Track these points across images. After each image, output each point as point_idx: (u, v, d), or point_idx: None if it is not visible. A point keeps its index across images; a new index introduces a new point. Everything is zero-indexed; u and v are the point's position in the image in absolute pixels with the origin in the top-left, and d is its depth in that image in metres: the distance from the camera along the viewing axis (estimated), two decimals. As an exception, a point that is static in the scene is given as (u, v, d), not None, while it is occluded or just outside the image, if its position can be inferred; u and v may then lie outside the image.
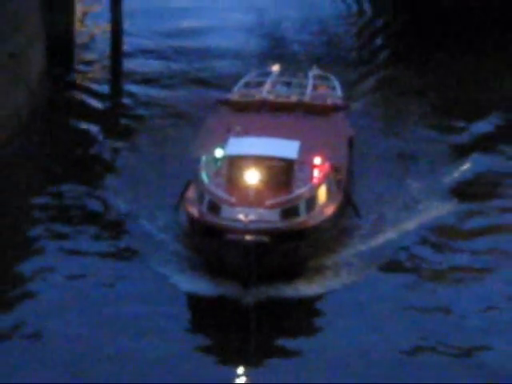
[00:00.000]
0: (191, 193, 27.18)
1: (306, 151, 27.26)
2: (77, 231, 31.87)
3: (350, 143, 32.67)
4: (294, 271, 25.61)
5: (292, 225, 24.59)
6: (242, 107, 33.59)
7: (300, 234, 24.70)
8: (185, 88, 49.45)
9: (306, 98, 34.09)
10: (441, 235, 31.31)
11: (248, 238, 22.71)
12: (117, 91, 51.22)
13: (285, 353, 23.04)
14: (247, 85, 37.53)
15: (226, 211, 24.47)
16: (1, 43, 39.97)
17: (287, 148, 27.01)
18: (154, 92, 48.80)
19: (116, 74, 53.08)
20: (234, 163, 26.26)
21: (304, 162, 27.20)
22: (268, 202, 24.43)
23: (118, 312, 25.58)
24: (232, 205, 24.42)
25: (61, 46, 50.52)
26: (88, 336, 24.46)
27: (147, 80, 50.96)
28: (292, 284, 25.16)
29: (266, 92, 35.12)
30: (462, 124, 43.27)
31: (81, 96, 48.90)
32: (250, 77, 38.88)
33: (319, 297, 25.47)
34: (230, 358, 22.80)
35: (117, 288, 27.07)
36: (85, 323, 25.21)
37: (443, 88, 51.50)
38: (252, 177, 25.14)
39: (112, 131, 44.00)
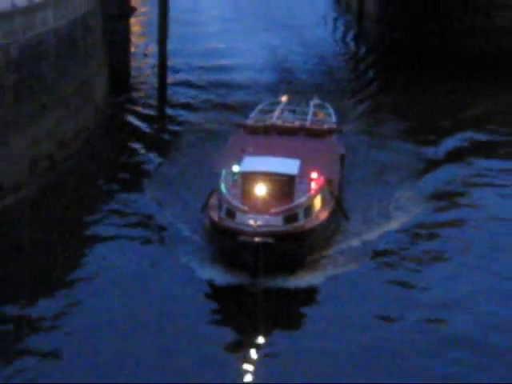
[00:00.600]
0: (213, 200, 29.36)
1: (305, 167, 29.44)
2: (124, 226, 33.99)
3: (342, 159, 34.69)
4: (294, 265, 27.60)
5: (292, 228, 26.85)
6: (255, 130, 35.60)
7: (299, 236, 27.16)
8: (214, 112, 51.21)
9: (307, 124, 36.22)
10: (416, 228, 33.20)
11: (256, 239, 24.90)
12: (160, 113, 53.31)
13: (286, 329, 25.39)
14: (261, 111, 39.78)
15: (239, 217, 26.52)
16: (75, 74, 42.45)
17: (289, 166, 28.98)
18: (190, 116, 50.87)
19: (161, 100, 55.23)
20: (247, 178, 28.21)
21: (303, 176, 29.24)
22: (273, 210, 26.59)
23: (152, 291, 27.82)
24: (244, 212, 26.49)
25: (119, 77, 54.16)
26: (130, 303, 26.77)
27: (185, 106, 53.23)
28: (293, 275, 27.23)
29: (275, 118, 37.02)
30: (434, 140, 45.63)
31: (133, 116, 51.05)
32: (264, 105, 41.25)
33: (317, 285, 27.42)
34: (241, 337, 24.84)
35: (151, 274, 29.16)
36: (129, 295, 27.42)
37: (420, 112, 53.35)
38: (261, 189, 27.03)
39: (155, 146, 45.61)
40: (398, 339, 25.02)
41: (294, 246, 26.85)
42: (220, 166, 31.06)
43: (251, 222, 25.25)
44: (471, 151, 45.15)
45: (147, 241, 32.32)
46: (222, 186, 28.65)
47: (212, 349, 23.84)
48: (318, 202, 28.80)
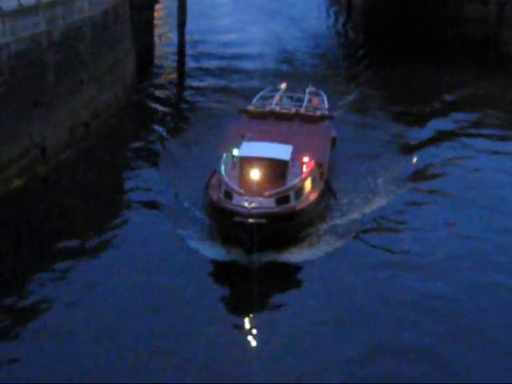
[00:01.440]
0: (214, 180, 28.37)
1: (298, 152, 28.58)
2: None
3: (333, 142, 33.81)
4: (286, 242, 26.62)
5: (283, 209, 26.00)
6: (256, 115, 34.94)
7: (289, 216, 26.31)
8: (224, 97, 49.25)
9: (302, 110, 35.46)
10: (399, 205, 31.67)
11: (250, 220, 23.98)
12: (178, 92, 52.47)
13: (279, 303, 24.29)
14: (262, 97, 38.82)
15: (236, 198, 25.61)
16: (108, 55, 43.15)
17: (283, 151, 28.15)
18: (202, 99, 49.52)
19: (179, 78, 55.15)
20: (244, 162, 27.42)
21: (296, 159, 28.33)
22: (266, 193, 25.78)
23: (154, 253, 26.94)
24: (241, 194, 25.59)
25: (145, 58, 53.69)
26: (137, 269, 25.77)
27: (199, 89, 51.89)
28: (285, 252, 26.22)
29: (274, 104, 36.47)
30: (417, 127, 43.52)
31: (155, 91, 50.98)
32: (265, 92, 40.31)
33: (307, 261, 26.32)
34: (237, 307, 24.03)
35: (153, 247, 27.65)
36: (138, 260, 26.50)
37: (398, 85, 52.87)
38: (256, 172, 26.00)
39: (174, 117, 46.05)
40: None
41: (285, 225, 26.07)
42: (222, 149, 30.21)
43: (246, 204, 24.21)
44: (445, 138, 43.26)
45: (162, 205, 31.49)
46: (222, 169, 27.93)
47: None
48: (308, 185, 28.01)
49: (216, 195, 26.62)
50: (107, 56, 42.48)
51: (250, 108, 36.11)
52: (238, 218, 24.18)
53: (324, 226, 28.61)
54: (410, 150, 38.60)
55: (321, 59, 64.03)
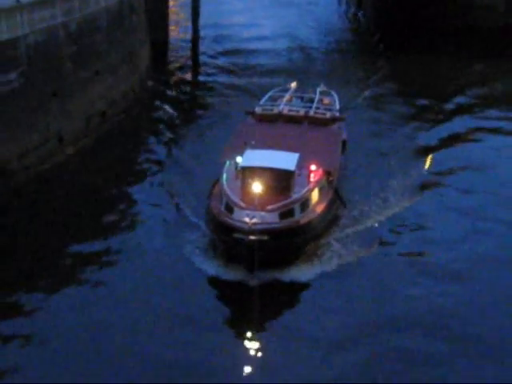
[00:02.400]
0: (216, 189, 26.17)
1: (305, 159, 26.43)
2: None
3: (344, 145, 31.60)
4: (290, 258, 24.44)
5: (288, 224, 23.66)
6: (263, 118, 32.20)
7: (294, 231, 23.87)
8: (237, 78, 49.49)
9: (311, 112, 32.48)
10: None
11: (251, 237, 21.92)
12: (195, 82, 51.65)
13: (280, 320, 22.46)
14: (271, 98, 36.30)
15: (237, 212, 23.31)
16: (124, 46, 43.05)
17: (288, 161, 25.54)
18: (217, 79, 49.83)
19: (193, 67, 54.51)
20: (247, 172, 24.89)
21: (303, 167, 26.11)
22: (269, 207, 23.41)
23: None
24: (242, 208, 23.31)
25: (159, 49, 53.60)
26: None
27: (212, 81, 50.93)
28: (288, 269, 24.01)
29: (283, 105, 33.77)
30: (427, 130, 40.17)
31: (170, 80, 50.96)
32: (274, 92, 37.41)
33: (312, 279, 24.06)
34: (238, 325, 22.18)
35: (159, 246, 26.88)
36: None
37: (408, 71, 52.98)
38: (259, 184, 23.23)
39: (188, 103, 46.55)
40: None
41: (289, 240, 23.79)
42: (224, 156, 27.92)
43: (247, 219, 22.21)
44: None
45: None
46: (224, 178, 25.94)
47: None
48: (315, 195, 25.73)
49: (217, 208, 24.57)
50: (123, 47, 42.40)
51: (257, 110, 33.29)
52: (238, 235, 22.35)
53: (331, 239, 26.27)
54: (423, 151, 36.03)
55: (331, 45, 63.80)
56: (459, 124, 41.31)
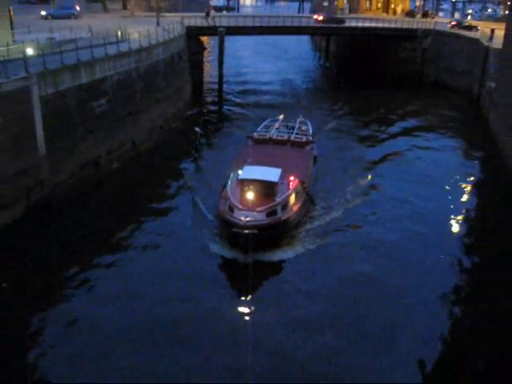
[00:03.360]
0: (223, 193, 24.06)
1: (286, 172, 24.93)
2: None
3: (315, 160, 29.73)
4: (274, 244, 22.42)
5: (272, 220, 22.01)
6: (258, 141, 30.74)
7: (277, 226, 22.27)
8: (249, 109, 47.59)
9: (292, 137, 31.14)
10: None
11: (245, 231, 20.62)
12: (219, 111, 49.27)
13: (271, 292, 20.09)
14: (265, 126, 34.42)
15: (236, 212, 21.82)
16: (174, 83, 42.69)
17: (273, 174, 23.94)
18: (234, 113, 47.20)
19: (219, 100, 52.53)
20: (244, 182, 23.44)
21: (285, 178, 24.59)
22: (258, 208, 21.96)
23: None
24: (239, 209, 21.85)
25: (197, 86, 53.40)
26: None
27: (232, 106, 49.62)
28: (274, 252, 22.13)
29: (273, 131, 32.40)
30: (379, 146, 37.75)
31: (203, 107, 49.81)
32: (267, 121, 35.47)
33: (290, 258, 22.10)
34: (235, 296, 19.82)
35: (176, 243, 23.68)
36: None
37: (361, 102, 51.62)
38: (252, 191, 22.37)
39: (216, 123, 44.46)
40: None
41: (273, 232, 22.19)
42: (230, 169, 25.97)
43: (242, 217, 21.03)
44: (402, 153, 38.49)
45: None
46: (229, 185, 24.15)
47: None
48: (292, 199, 23.91)
49: (222, 207, 22.71)
50: (173, 84, 42.33)
51: (255, 135, 31.74)
52: (235, 229, 20.97)
53: (304, 229, 24.23)
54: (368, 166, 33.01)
55: (309, 83, 63.90)
56: (398, 144, 38.76)
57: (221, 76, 53.20)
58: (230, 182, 24.56)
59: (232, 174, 25.31)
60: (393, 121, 45.13)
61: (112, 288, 19.86)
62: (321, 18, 64.69)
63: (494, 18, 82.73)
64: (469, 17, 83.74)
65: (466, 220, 26.83)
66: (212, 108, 49.72)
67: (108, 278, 20.48)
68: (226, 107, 49.69)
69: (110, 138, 31.14)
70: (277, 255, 22.10)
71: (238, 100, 51.72)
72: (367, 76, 62.25)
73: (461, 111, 48.58)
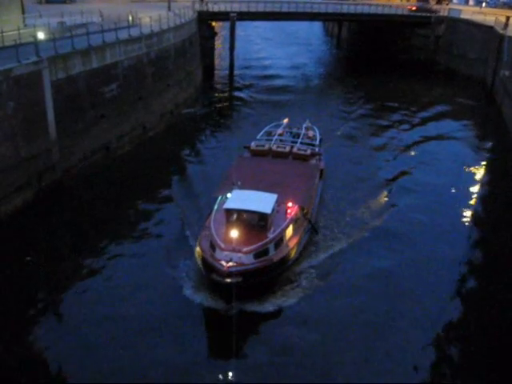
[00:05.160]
0: (207, 223, 19.96)
1: (285, 196, 20.79)
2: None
3: (321, 174, 25.89)
4: (265, 290, 18.21)
5: (261, 263, 17.79)
6: (256, 153, 25.97)
7: (268, 269, 18.02)
8: (258, 92, 47.47)
9: (295, 149, 26.15)
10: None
11: (227, 280, 16.58)
12: (230, 96, 48.32)
13: (261, 352, 15.85)
14: (267, 132, 29.66)
15: (218, 253, 17.65)
16: (185, 68, 42.51)
17: (266, 203, 19.36)
18: (244, 96, 47.35)
19: (230, 84, 51.78)
20: (229, 213, 19.20)
21: (282, 203, 20.46)
22: (245, 249, 17.76)
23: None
24: (222, 249, 17.69)
25: (208, 71, 53.08)
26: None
27: (242, 90, 49.52)
28: (264, 299, 17.90)
29: (277, 136, 28.18)
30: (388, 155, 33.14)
31: (214, 92, 49.62)
32: (269, 127, 30.46)
33: (286, 306, 17.78)
34: (215, 357, 15.63)
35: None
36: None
37: (369, 85, 51.06)
38: (238, 227, 18.18)
39: (227, 107, 44.67)
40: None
41: (263, 277, 17.92)
42: (218, 191, 21.83)
43: (224, 262, 17.09)
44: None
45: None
46: (213, 214, 20.11)
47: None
48: (289, 231, 19.74)
49: (204, 243, 18.53)
50: (184, 69, 42.16)
51: (253, 145, 26.64)
52: (216, 277, 16.88)
53: (303, 266, 19.92)
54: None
55: (320, 69, 63.21)
56: (407, 136, 36.49)
57: (232, 61, 52.85)
58: (216, 208, 20.76)
59: (220, 198, 21.54)
60: (403, 109, 44.52)
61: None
62: (414, 8, 65.22)
63: (509, 6, 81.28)
64: (483, 4, 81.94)
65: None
66: (223, 94, 49.75)
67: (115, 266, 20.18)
68: (236, 92, 49.38)
69: (121, 122, 31.11)
70: (268, 303, 17.87)
71: (248, 85, 51.61)
72: (378, 62, 61.65)
73: (474, 99, 48.00)
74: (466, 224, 24.56)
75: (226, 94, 49.46)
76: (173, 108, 38.77)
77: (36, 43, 24.40)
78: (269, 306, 17.62)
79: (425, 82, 54.89)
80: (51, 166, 25.05)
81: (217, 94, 49.07)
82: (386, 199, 26.25)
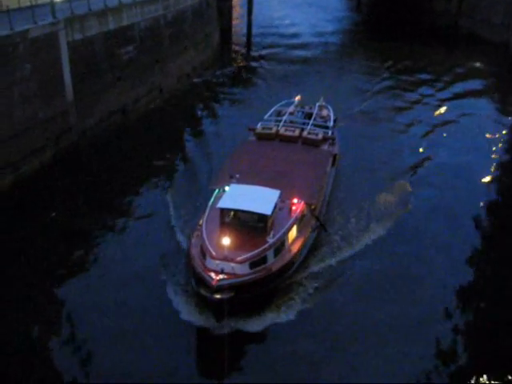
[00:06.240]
0: (200, 221, 17.42)
1: (290, 190, 18.22)
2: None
3: (334, 160, 22.85)
4: (263, 302, 15.91)
5: (257, 275, 15.30)
6: (262, 137, 22.94)
7: (264, 280, 15.54)
8: (274, 71, 42.99)
9: (305, 133, 23.00)
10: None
11: (216, 296, 14.27)
12: (248, 59, 47.30)
13: (248, 363, 14.38)
14: (276, 112, 26.66)
15: (208, 261, 15.11)
16: (202, 30, 41.98)
17: (266, 201, 16.70)
18: (262, 60, 45.81)
19: (247, 46, 51.99)
20: (224, 212, 16.56)
21: (286, 199, 17.86)
22: (239, 258, 15.23)
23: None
24: (213, 257, 15.13)
25: (225, 34, 51.76)
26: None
27: (260, 53, 48.42)
28: (260, 314, 15.59)
29: (282, 122, 24.35)
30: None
31: (231, 54, 49.21)
32: (278, 106, 27.37)
33: (285, 323, 15.44)
34: (204, 381, 13.97)
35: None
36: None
37: (389, 50, 49.23)
38: (234, 228, 16.25)
39: (238, 74, 42.96)
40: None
41: (259, 289, 15.44)
42: (214, 184, 19.25)
43: (213, 274, 14.65)
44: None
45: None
46: (207, 211, 17.60)
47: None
48: (293, 233, 17.22)
49: (194, 248, 16.14)
50: (201, 31, 41.65)
51: (259, 128, 23.72)
52: (204, 292, 14.50)
53: (308, 272, 17.51)
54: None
55: (339, 34, 61.39)
56: (426, 110, 33.84)
57: (249, 23, 52.66)
58: (211, 204, 18.19)
59: (217, 191, 19.03)
60: (423, 77, 42.72)
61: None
62: None
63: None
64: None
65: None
66: (240, 57, 48.82)
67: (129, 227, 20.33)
68: (254, 54, 48.37)
69: (138, 85, 30.98)
70: (265, 319, 15.52)
71: (266, 49, 50.38)
72: (399, 27, 59.76)
73: (496, 65, 46.34)
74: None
75: (243, 57, 48.40)
76: (189, 71, 38.42)
77: (52, 4, 24.09)
78: (264, 322, 15.30)
79: (446, 47, 52.84)
80: (68, 128, 25.03)
81: (234, 57, 48.17)
82: (409, 189, 23.13)
